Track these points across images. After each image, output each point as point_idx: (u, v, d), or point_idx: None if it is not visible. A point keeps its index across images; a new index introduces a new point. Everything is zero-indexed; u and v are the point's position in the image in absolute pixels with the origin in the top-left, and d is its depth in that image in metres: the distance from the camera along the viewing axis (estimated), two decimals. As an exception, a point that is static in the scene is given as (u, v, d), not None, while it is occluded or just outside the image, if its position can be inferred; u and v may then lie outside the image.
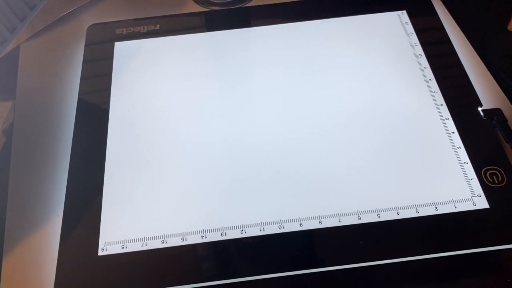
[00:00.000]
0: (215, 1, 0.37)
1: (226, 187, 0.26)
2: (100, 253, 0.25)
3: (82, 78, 0.32)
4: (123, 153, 0.28)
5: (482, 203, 0.25)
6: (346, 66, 0.32)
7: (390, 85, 0.30)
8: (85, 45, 0.35)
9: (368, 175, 0.26)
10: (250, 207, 0.26)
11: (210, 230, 0.25)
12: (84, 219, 0.26)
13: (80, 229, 0.25)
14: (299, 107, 0.29)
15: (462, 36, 0.33)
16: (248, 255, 0.24)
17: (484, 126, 0.28)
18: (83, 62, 0.34)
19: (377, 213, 0.25)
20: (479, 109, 0.29)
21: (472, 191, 0.26)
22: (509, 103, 0.30)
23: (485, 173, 0.26)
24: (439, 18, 0.34)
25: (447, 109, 0.29)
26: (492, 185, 0.26)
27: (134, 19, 0.36)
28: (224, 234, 0.25)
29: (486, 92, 0.30)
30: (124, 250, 0.25)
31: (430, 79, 0.30)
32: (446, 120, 0.28)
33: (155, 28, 0.35)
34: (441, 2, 0.35)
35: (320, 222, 0.25)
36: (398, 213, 0.25)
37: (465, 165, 0.27)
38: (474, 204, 0.25)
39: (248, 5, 0.37)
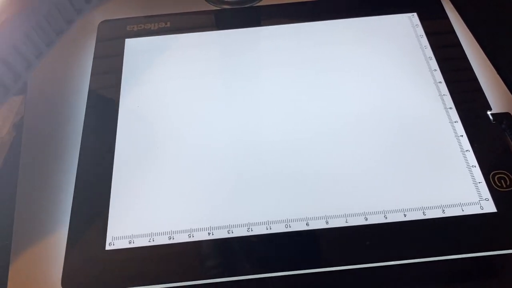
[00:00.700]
0: (226, 0, 0.37)
1: (234, 185, 0.26)
2: (107, 247, 0.25)
3: (93, 73, 0.33)
4: (132, 149, 0.28)
5: (489, 207, 0.25)
6: (355, 67, 0.32)
7: (399, 87, 0.30)
8: (96, 41, 0.35)
9: (375, 176, 0.26)
10: (257, 206, 0.26)
11: (217, 228, 0.25)
12: (92, 214, 0.26)
13: (87, 224, 0.26)
14: (308, 107, 0.30)
15: (472, 39, 0.33)
16: (254, 253, 0.25)
17: (493, 130, 0.28)
18: (94, 58, 0.34)
19: (384, 215, 0.25)
20: (488, 112, 0.29)
21: (480, 194, 0.26)
22: (519, 107, 0.29)
23: (493, 177, 0.26)
24: (449, 21, 0.34)
25: (456, 112, 0.29)
26: (500, 189, 0.26)
27: (145, 16, 0.36)
28: (230, 231, 0.25)
29: (496, 96, 0.30)
30: (131, 245, 0.25)
31: (440, 82, 0.30)
32: (455, 123, 0.28)
33: (166, 26, 0.35)
34: (452, 5, 0.35)
35: (327, 222, 0.25)
36: (405, 215, 0.25)
37: (473, 169, 0.27)
38: (481, 207, 0.25)
39: (258, 4, 0.37)
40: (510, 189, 0.26)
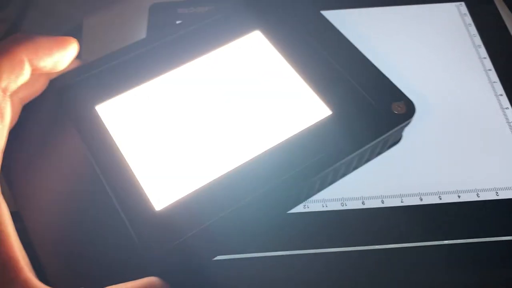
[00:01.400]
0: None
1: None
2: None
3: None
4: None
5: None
6: (402, 53, 0.32)
7: (447, 74, 0.31)
8: (148, 24, 0.36)
9: (431, 158, 0.27)
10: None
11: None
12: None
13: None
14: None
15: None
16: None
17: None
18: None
19: (438, 195, 0.26)
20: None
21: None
22: None
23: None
24: (497, 9, 0.34)
25: (507, 99, 0.29)
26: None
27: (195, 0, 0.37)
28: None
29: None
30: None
31: (489, 70, 0.31)
32: (506, 110, 0.29)
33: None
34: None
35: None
36: (459, 196, 0.26)
37: (525, 153, 0.27)
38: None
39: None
40: None
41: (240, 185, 0.21)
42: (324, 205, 0.26)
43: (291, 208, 0.25)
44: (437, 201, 0.26)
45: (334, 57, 0.26)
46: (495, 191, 0.26)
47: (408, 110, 0.24)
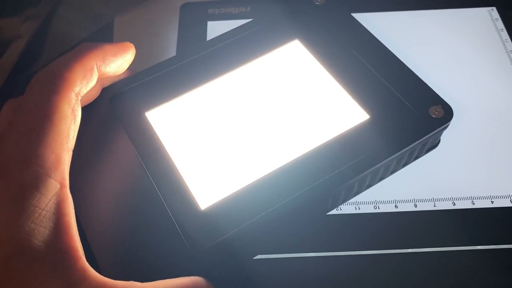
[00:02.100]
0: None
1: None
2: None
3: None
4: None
5: None
6: (433, 58, 0.32)
7: (479, 80, 0.31)
8: (179, 23, 0.36)
9: (463, 163, 0.27)
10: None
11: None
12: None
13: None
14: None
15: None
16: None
17: None
18: (178, 40, 0.35)
19: (471, 200, 0.26)
20: None
21: None
22: None
23: None
24: (529, 15, 0.34)
25: (540, 105, 0.29)
26: None
27: (226, 0, 0.37)
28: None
29: None
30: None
31: (522, 75, 0.31)
32: (538, 116, 0.29)
33: (246, 11, 0.36)
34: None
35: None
36: (492, 202, 0.26)
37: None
38: None
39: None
40: None
41: (281, 186, 0.22)
42: (357, 207, 0.26)
43: (329, 211, 0.25)
44: (470, 206, 0.26)
45: (371, 63, 0.26)
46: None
47: (446, 114, 0.24)
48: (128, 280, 0.19)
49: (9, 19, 0.40)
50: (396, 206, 0.26)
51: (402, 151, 0.23)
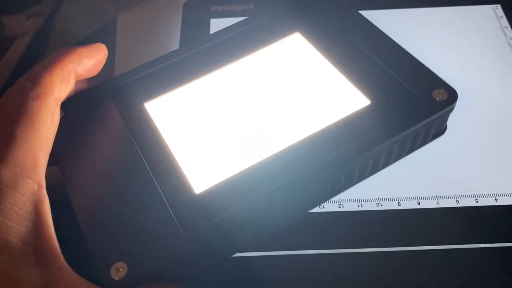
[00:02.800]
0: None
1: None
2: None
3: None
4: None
5: None
6: (438, 55, 0.32)
7: (483, 77, 0.31)
8: (182, 21, 0.36)
9: (467, 160, 0.27)
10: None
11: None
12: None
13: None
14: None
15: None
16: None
17: None
18: (181, 37, 0.35)
19: (475, 198, 0.26)
20: None
21: None
22: None
23: None
24: (534, 12, 0.34)
25: (544, 103, 0.29)
26: None
27: (229, -3, 0.37)
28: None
29: None
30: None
31: (527, 73, 0.31)
32: (543, 113, 0.29)
33: (249, 8, 0.36)
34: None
35: (418, 203, 0.26)
36: (496, 200, 0.26)
37: None
38: None
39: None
40: None
41: (278, 170, 0.22)
42: (360, 205, 0.26)
43: (329, 197, 0.25)
44: (474, 204, 0.26)
45: (372, 50, 0.26)
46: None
47: (450, 96, 0.23)
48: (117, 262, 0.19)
49: (13, 16, 0.40)
50: (399, 204, 0.26)
51: (405, 132, 0.22)
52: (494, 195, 0.26)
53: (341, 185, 0.24)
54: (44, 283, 0.17)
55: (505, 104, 0.30)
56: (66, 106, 0.25)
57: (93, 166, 0.23)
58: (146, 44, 0.36)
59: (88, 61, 0.24)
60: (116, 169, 0.23)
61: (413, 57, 0.26)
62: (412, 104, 0.24)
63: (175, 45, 0.35)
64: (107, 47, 0.26)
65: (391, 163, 0.25)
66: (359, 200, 0.26)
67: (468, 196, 0.26)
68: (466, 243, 0.25)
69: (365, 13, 0.29)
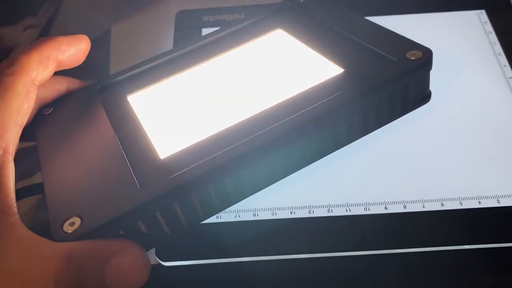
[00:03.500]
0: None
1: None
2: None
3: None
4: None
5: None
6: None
7: (468, 82, 0.32)
8: (175, 30, 0.37)
9: (453, 164, 0.28)
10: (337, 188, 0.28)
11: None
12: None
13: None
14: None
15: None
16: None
17: None
18: (173, 46, 0.36)
19: (459, 201, 0.27)
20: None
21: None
22: None
23: None
24: (517, 18, 0.35)
25: (527, 107, 0.30)
26: None
27: (221, 8, 0.38)
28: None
29: None
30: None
31: (510, 77, 0.32)
32: (526, 117, 0.30)
33: (240, 17, 0.37)
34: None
35: (405, 207, 0.27)
36: (479, 202, 0.27)
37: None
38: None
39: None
40: None
41: (244, 131, 0.22)
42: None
43: (312, 159, 0.24)
44: (458, 206, 0.27)
45: (347, 30, 0.27)
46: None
47: (425, 55, 0.23)
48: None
49: (9, 28, 0.41)
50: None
51: (379, 90, 0.23)
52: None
53: (323, 147, 0.23)
54: None
55: (490, 108, 0.30)
56: (56, 103, 0.27)
57: (68, 146, 0.24)
58: (140, 53, 0.37)
59: (67, 48, 0.25)
60: (88, 142, 0.24)
61: (386, 28, 0.27)
62: (386, 65, 0.24)
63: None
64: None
65: (374, 128, 0.24)
66: (347, 205, 0.27)
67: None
68: (468, 244, 0.25)
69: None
